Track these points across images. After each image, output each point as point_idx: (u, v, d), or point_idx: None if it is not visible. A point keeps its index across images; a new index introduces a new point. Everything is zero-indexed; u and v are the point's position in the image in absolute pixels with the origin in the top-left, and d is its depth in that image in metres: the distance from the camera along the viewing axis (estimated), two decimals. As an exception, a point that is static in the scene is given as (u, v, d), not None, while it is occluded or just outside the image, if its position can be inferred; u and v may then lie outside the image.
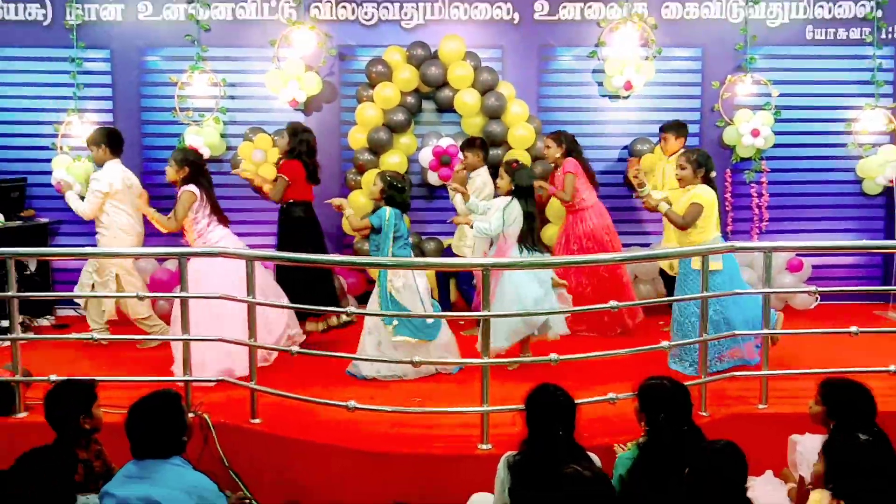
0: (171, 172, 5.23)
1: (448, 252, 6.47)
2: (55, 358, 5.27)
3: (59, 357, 5.32)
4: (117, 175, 5.66)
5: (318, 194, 7.03)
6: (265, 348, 4.63)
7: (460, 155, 6.17)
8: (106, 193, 5.59)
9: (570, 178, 5.94)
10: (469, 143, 6.04)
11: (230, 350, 4.54)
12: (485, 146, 6.07)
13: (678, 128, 6.21)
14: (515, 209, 5.06)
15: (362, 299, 6.72)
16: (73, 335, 5.61)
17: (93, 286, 5.67)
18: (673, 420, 3.01)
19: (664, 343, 4.30)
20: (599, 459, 3.02)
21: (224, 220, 5.28)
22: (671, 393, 3.08)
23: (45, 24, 6.83)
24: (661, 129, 6.26)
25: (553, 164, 6.16)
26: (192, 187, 5.16)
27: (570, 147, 6.06)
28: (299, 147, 5.73)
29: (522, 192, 5.11)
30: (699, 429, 3.10)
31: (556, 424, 2.91)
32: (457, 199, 5.74)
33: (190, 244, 5.18)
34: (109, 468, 3.31)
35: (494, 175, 5.66)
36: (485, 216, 5.24)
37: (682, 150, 5.36)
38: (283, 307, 5.04)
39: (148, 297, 5.23)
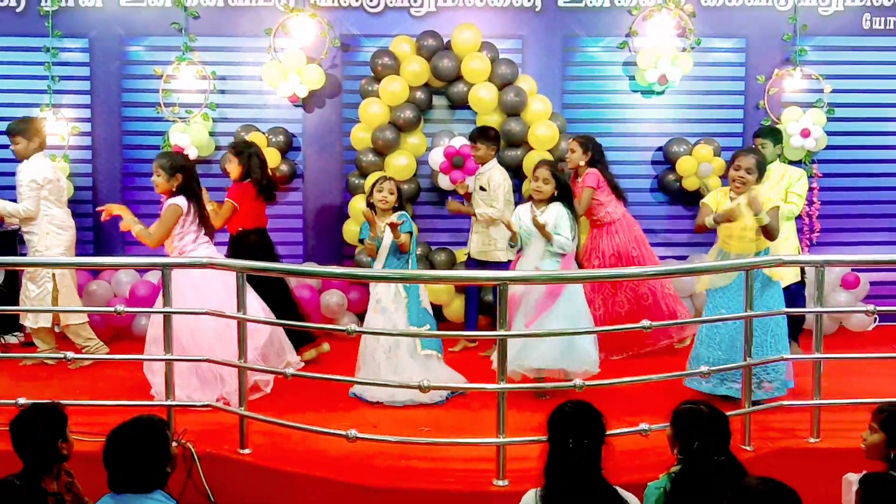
0: (162, 183, 5.02)
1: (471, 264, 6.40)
2: (24, 378, 5.31)
3: (29, 377, 5.35)
4: (46, 166, 5.76)
5: (318, 197, 7.08)
6: (256, 370, 4.63)
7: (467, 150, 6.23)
8: (40, 185, 5.65)
9: (588, 193, 5.96)
10: (484, 134, 6.07)
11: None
12: (499, 138, 6.18)
13: (775, 133, 6.09)
14: (570, 216, 5.08)
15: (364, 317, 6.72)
16: (46, 354, 5.64)
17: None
18: (708, 449, 3.00)
19: (703, 368, 4.28)
20: (637, 498, 3.00)
21: (211, 234, 5.21)
22: (708, 419, 3.07)
23: (18, 10, 6.91)
24: (757, 135, 6.03)
25: (572, 170, 6.15)
26: (179, 200, 5.00)
27: (596, 156, 6.07)
28: (251, 166, 5.70)
29: (569, 196, 5.11)
30: (739, 462, 3.08)
31: (577, 443, 2.89)
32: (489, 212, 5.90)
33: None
34: (83, 503, 3.31)
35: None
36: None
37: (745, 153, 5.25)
38: (274, 324, 5.04)
39: (127, 311, 5.24)
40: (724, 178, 6.72)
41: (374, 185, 5.22)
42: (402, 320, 5.04)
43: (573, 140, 6.14)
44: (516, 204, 5.89)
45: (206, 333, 4.78)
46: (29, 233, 5.75)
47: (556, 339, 4.83)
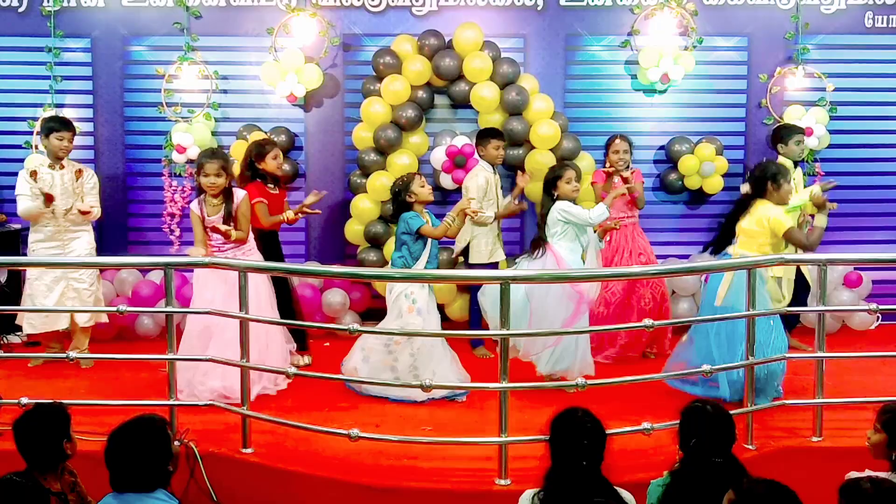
0: (223, 183, 5.09)
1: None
2: (27, 378, 5.32)
3: (31, 377, 5.35)
4: None
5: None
6: (258, 369, 4.62)
7: (475, 154, 6.22)
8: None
9: (641, 187, 6.16)
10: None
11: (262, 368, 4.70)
12: None
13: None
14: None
15: (366, 316, 6.72)
16: (48, 354, 5.65)
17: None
18: (707, 449, 3.01)
19: (705, 367, 4.27)
20: (633, 496, 3.00)
21: None
22: (710, 419, 3.09)
23: (20, 10, 6.91)
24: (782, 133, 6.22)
25: (613, 170, 6.08)
26: (241, 190, 5.22)
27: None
28: None
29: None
30: (741, 464, 3.08)
31: (582, 455, 2.90)
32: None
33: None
34: (86, 502, 3.31)
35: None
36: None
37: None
38: (279, 324, 5.05)
39: (130, 311, 5.24)
40: (726, 176, 6.75)
41: (413, 181, 5.22)
42: (436, 322, 5.14)
43: (622, 140, 6.12)
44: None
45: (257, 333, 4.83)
46: (84, 231, 5.83)
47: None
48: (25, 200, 5.66)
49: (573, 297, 5.02)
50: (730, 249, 5.03)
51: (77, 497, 3.31)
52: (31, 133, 6.89)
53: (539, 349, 5.08)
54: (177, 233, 6.96)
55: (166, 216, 6.94)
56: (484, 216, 5.82)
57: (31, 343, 6.42)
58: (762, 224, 4.88)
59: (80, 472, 3.33)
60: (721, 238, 5.18)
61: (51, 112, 6.84)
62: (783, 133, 6.17)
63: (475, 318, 6.21)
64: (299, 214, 5.68)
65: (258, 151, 5.58)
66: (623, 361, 5.82)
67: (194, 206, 5.16)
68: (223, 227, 4.98)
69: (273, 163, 5.58)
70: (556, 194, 5.27)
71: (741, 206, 5.07)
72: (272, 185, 5.64)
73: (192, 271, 6.46)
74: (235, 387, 4.46)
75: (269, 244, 5.61)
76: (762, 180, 4.97)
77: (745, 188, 5.18)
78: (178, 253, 6.84)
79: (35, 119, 6.86)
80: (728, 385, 4.74)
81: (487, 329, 6.22)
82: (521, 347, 5.13)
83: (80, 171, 5.82)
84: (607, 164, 6.20)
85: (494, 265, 6.09)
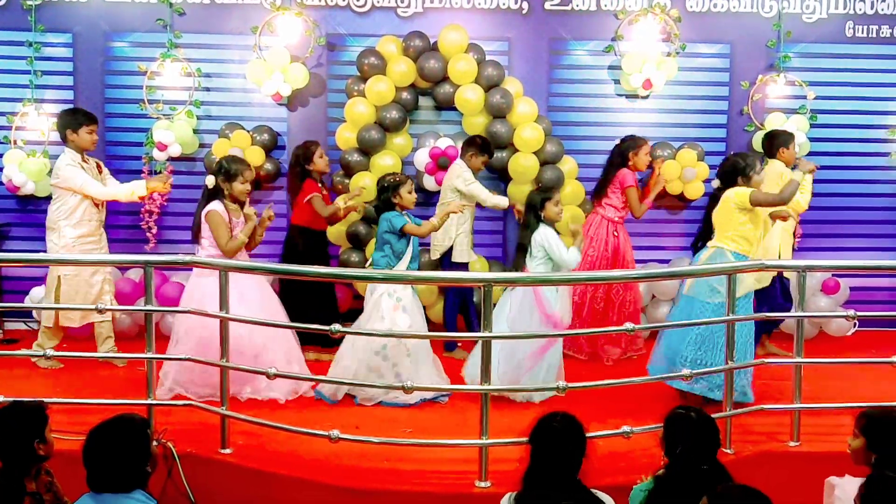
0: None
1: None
2: (3, 376, 5.26)
3: (8, 375, 5.30)
4: None
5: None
6: (238, 369, 4.59)
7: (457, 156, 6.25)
8: None
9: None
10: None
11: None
12: None
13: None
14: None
15: (348, 317, 6.70)
16: (24, 351, 5.58)
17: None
18: (694, 455, 3.03)
19: (685, 371, 4.31)
20: (613, 500, 3.01)
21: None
22: (695, 425, 3.11)
23: (1, 4, 6.84)
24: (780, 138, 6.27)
25: (634, 170, 6.24)
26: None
27: None
28: None
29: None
30: (726, 470, 3.10)
31: (555, 459, 2.92)
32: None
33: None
34: (62, 503, 3.28)
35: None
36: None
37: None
38: (260, 324, 5.01)
39: (110, 310, 5.21)
40: (707, 181, 6.79)
41: (404, 184, 5.28)
42: (421, 322, 5.14)
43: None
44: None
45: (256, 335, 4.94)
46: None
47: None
48: (95, 184, 5.57)
49: (548, 326, 5.00)
50: (708, 244, 5.05)
51: (53, 497, 3.27)
52: (9, 128, 6.81)
53: (519, 376, 4.99)
54: (154, 230, 6.91)
55: (144, 213, 6.87)
56: (499, 198, 6.12)
57: (7, 340, 6.36)
58: (728, 206, 4.90)
59: (57, 472, 3.30)
60: (701, 235, 5.25)
61: (30, 107, 6.76)
62: (783, 138, 6.10)
63: (450, 319, 6.21)
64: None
65: (305, 153, 5.98)
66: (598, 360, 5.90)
67: (220, 208, 5.06)
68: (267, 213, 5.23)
69: (321, 161, 6.03)
70: (542, 215, 5.18)
71: (714, 201, 5.13)
72: (321, 183, 6.06)
73: (172, 270, 6.45)
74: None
75: (318, 245, 6.04)
76: (732, 175, 5.02)
77: (716, 183, 5.23)
78: (154, 251, 6.80)
79: (14, 114, 6.78)
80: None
81: (464, 331, 6.27)
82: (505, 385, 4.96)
83: (99, 165, 5.83)
84: (631, 165, 6.20)
85: (466, 265, 6.14)
